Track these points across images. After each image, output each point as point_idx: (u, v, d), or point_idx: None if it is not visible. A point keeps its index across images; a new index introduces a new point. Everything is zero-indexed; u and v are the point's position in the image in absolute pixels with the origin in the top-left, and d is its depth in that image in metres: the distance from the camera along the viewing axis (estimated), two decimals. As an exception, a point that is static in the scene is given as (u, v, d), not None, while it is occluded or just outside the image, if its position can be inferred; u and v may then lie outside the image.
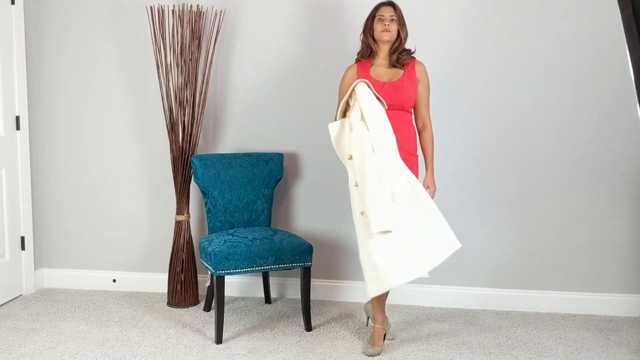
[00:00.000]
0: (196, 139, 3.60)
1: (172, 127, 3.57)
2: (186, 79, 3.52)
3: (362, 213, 2.73)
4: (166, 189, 3.81)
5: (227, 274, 3.11)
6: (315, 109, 3.64)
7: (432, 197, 3.01)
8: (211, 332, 3.23)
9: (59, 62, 3.87)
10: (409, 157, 2.96)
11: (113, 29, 3.80)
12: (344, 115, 2.88)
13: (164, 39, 3.53)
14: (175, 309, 3.60)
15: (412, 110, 3.05)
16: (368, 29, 3.03)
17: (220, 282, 3.09)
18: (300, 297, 3.33)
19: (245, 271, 3.15)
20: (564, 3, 3.44)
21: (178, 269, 3.62)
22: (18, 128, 3.75)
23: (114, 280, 3.94)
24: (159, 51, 3.53)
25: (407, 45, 3.04)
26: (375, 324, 3.05)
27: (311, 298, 3.38)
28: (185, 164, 3.58)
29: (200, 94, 3.59)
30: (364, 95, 2.77)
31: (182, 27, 3.50)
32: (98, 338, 3.16)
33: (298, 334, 3.24)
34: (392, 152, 2.77)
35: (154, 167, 3.84)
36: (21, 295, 3.83)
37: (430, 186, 3.07)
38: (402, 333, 3.25)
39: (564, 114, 3.50)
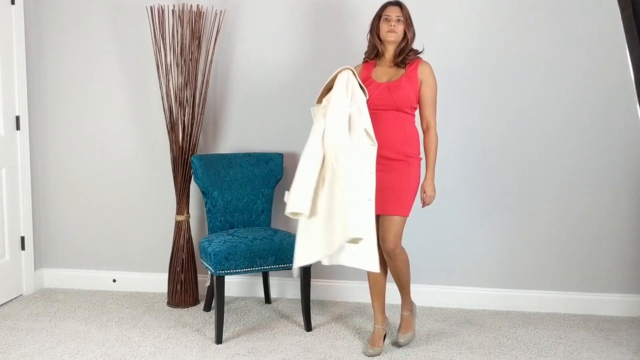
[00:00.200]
0: (196, 139, 3.60)
1: (172, 127, 3.57)
2: (186, 79, 3.52)
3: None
4: (166, 189, 3.81)
5: (227, 274, 3.11)
6: (315, 109, 3.63)
7: (429, 203, 2.97)
8: (211, 332, 3.23)
9: (59, 62, 3.87)
10: (404, 158, 2.89)
11: (113, 29, 3.80)
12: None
13: (164, 39, 3.53)
14: (175, 309, 3.60)
15: (416, 111, 2.99)
16: (374, 28, 2.96)
17: (220, 282, 3.09)
18: (300, 297, 3.33)
19: (245, 271, 3.15)
20: (564, 3, 3.44)
21: (178, 269, 3.62)
22: (18, 128, 3.75)
23: (114, 280, 3.94)
24: (159, 51, 3.53)
25: (415, 46, 2.98)
26: (375, 324, 3.05)
27: (311, 298, 3.38)
28: (185, 164, 3.58)
29: (200, 94, 3.59)
30: (339, 81, 2.77)
31: (182, 27, 3.50)
32: (98, 338, 3.16)
33: (298, 334, 3.24)
34: (336, 142, 2.68)
35: (154, 167, 3.84)
36: (21, 295, 3.83)
37: (426, 190, 2.95)
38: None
39: (564, 114, 3.50)
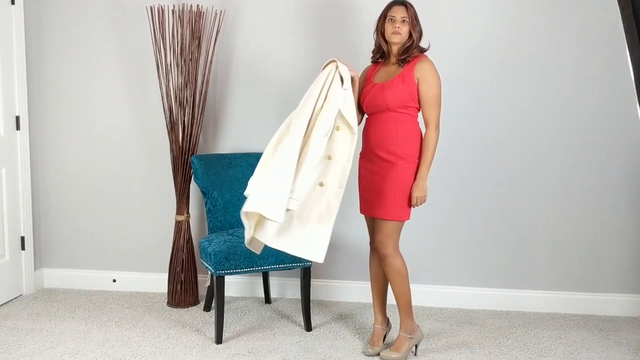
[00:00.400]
0: (196, 139, 3.60)
1: (172, 127, 3.57)
2: (186, 79, 3.52)
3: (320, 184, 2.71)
4: (166, 189, 3.81)
5: (227, 274, 3.11)
6: (315, 109, 3.63)
7: (416, 204, 2.81)
8: (211, 332, 3.23)
9: (59, 62, 3.87)
10: (394, 159, 2.79)
11: (113, 29, 3.80)
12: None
13: (164, 39, 3.53)
14: (175, 309, 3.60)
15: (414, 111, 2.89)
16: (379, 28, 2.87)
17: (220, 282, 3.09)
18: (300, 297, 3.33)
19: (245, 271, 3.15)
20: (564, 3, 3.44)
21: (178, 269, 3.62)
22: (18, 128, 3.75)
23: (114, 280, 3.94)
24: (159, 51, 3.53)
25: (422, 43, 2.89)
26: (374, 323, 3.05)
27: (311, 298, 3.38)
28: (185, 164, 3.58)
29: (200, 94, 3.59)
30: (322, 72, 2.76)
31: (182, 27, 3.50)
32: (98, 338, 3.16)
33: (298, 334, 3.24)
34: (297, 133, 2.67)
35: (154, 167, 3.84)
36: (21, 295, 3.83)
37: (413, 191, 2.78)
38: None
39: (564, 114, 3.50)
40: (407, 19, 2.80)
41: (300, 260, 3.19)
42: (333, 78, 2.73)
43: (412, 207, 2.85)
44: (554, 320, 3.47)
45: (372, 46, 2.99)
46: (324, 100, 2.71)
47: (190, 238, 3.66)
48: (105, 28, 3.81)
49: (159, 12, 3.52)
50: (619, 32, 2.57)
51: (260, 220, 2.68)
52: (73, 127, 3.90)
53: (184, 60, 3.51)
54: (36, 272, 3.93)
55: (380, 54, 2.92)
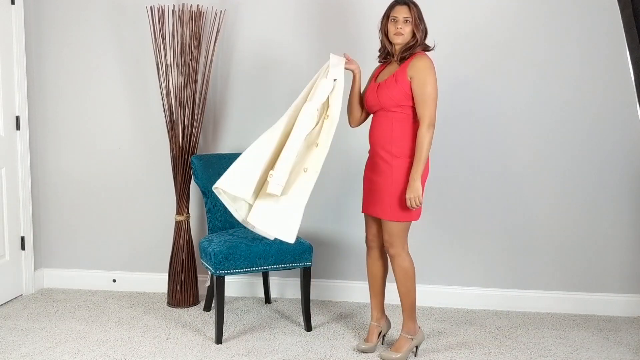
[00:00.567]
0: (196, 139, 3.60)
1: (172, 127, 3.57)
2: (186, 79, 3.53)
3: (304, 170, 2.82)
4: (166, 189, 3.81)
5: (227, 274, 3.11)
6: (315, 109, 3.63)
7: (411, 206, 2.72)
8: (211, 332, 3.23)
9: (59, 62, 3.87)
10: (390, 159, 2.78)
11: (113, 28, 3.80)
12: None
13: (164, 39, 3.53)
14: (175, 309, 3.60)
15: (410, 110, 2.85)
16: (383, 28, 2.84)
17: (220, 282, 3.09)
18: (300, 297, 3.33)
19: (245, 271, 3.15)
20: (564, 3, 3.44)
21: (178, 269, 3.62)
22: (18, 128, 3.75)
23: (114, 280, 3.94)
24: (159, 51, 3.53)
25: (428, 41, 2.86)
26: (371, 320, 3.05)
27: (311, 298, 3.38)
28: (185, 164, 3.58)
29: (200, 94, 3.59)
30: (324, 67, 2.87)
31: (182, 27, 3.50)
32: (98, 338, 3.16)
33: (298, 334, 3.24)
34: (280, 122, 2.84)
35: (154, 167, 3.84)
36: (21, 295, 3.83)
37: (407, 192, 2.72)
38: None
39: (564, 114, 3.50)
40: (409, 19, 2.76)
41: (300, 260, 3.19)
42: (326, 70, 2.84)
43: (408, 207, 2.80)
44: (554, 320, 3.47)
45: (373, 46, 3.00)
46: (315, 91, 2.84)
47: (190, 238, 3.66)
48: (105, 28, 3.81)
49: (159, 12, 3.52)
50: (619, 32, 2.56)
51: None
52: (73, 127, 3.90)
53: (184, 60, 3.51)
54: (36, 272, 3.93)
55: (386, 54, 2.90)
